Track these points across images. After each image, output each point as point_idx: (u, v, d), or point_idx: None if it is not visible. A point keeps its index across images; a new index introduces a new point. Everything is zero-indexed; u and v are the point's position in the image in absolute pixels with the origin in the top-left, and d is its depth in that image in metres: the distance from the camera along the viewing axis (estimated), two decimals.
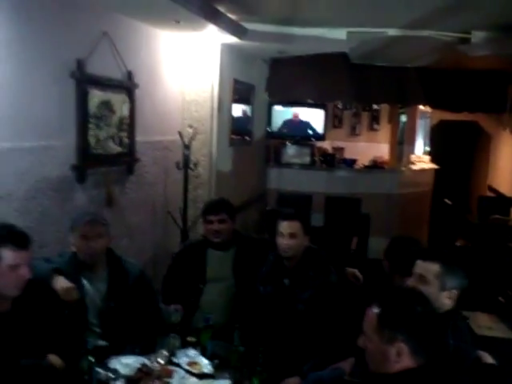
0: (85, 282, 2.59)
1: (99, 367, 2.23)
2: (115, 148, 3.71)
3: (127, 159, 3.93)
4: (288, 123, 7.04)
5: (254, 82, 6.03)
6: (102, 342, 2.50)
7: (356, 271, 2.98)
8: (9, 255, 2.08)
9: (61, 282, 2.38)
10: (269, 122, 6.92)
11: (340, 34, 4.68)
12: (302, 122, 7.09)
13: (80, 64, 3.23)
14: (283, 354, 2.46)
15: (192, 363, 2.36)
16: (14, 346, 2.12)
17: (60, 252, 2.75)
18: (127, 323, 2.55)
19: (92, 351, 2.15)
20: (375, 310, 1.65)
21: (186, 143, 4.48)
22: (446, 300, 2.04)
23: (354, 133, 8.28)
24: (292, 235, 2.76)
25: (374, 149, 7.93)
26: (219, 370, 2.33)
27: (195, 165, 4.61)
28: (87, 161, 3.39)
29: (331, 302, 2.68)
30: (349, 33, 4.67)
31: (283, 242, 2.76)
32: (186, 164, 4.51)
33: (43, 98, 2.99)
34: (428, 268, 2.06)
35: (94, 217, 2.66)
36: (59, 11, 3.07)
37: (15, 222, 2.34)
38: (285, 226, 2.79)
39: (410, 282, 2.11)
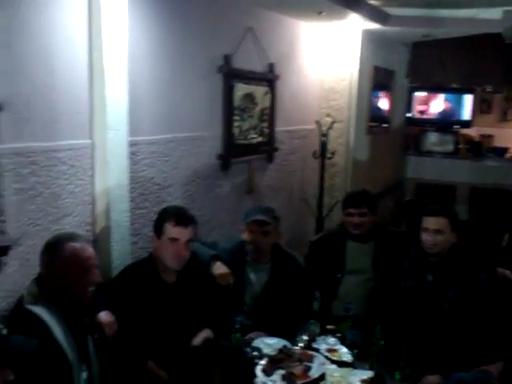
0: (248, 269, 2.81)
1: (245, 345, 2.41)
2: (256, 138, 3.88)
3: (267, 148, 4.09)
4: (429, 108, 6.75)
5: (393, 67, 5.88)
6: (248, 322, 2.68)
7: (508, 272, 2.81)
8: (170, 229, 2.37)
9: (217, 268, 2.60)
10: (408, 108, 6.70)
11: (495, 13, 4.40)
12: (445, 107, 6.77)
13: (227, 59, 3.42)
14: (425, 351, 2.42)
15: (331, 350, 2.44)
16: (177, 316, 2.38)
17: (229, 237, 3.06)
18: (278, 312, 2.70)
19: (239, 329, 2.32)
20: None
21: (324, 132, 4.53)
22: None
23: (504, 118, 7.69)
24: (438, 232, 2.62)
25: None
26: (358, 359, 2.37)
27: (332, 153, 4.64)
28: (231, 150, 3.59)
29: (479, 302, 2.53)
30: (505, 12, 4.36)
31: (428, 238, 2.64)
32: (322, 153, 4.56)
33: (194, 92, 3.22)
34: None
35: (261, 217, 2.77)
36: (208, 9, 3.27)
37: None
38: (430, 222, 2.66)
39: None
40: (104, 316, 2.15)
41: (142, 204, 2.89)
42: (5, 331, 1.41)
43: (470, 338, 2.40)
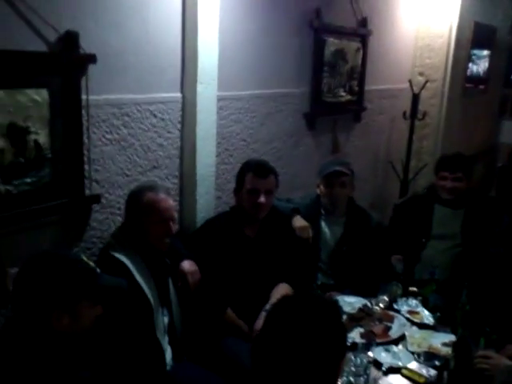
0: (323, 224, 2.81)
1: None
2: (345, 96, 3.79)
3: (355, 107, 3.99)
4: None
5: (496, 23, 5.48)
6: (329, 280, 2.70)
7: None
8: (249, 180, 2.44)
9: (297, 221, 2.63)
10: (509, 68, 6.24)
11: None
12: None
13: (318, 13, 3.33)
14: (509, 322, 2.33)
15: (412, 312, 2.40)
16: (258, 269, 2.44)
17: (303, 195, 3.06)
18: (355, 267, 2.69)
19: (320, 286, 2.34)
20: None
21: (416, 92, 4.34)
22: None
23: None
24: None
25: None
26: (440, 323, 2.33)
27: (423, 115, 4.45)
28: (318, 108, 3.54)
29: None
30: None
31: None
32: (413, 114, 4.39)
33: (284, 47, 3.18)
34: None
35: (339, 168, 2.79)
36: None
37: None
38: None
39: None
40: (187, 265, 2.23)
41: (227, 159, 2.93)
42: (98, 270, 1.51)
43: None
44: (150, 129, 2.47)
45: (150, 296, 2.00)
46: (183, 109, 2.59)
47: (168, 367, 2.10)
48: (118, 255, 1.98)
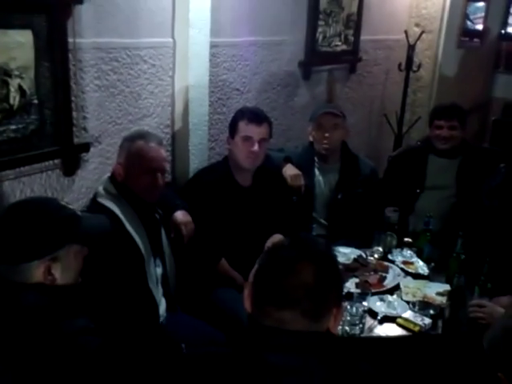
0: (317, 172, 2.78)
1: None
2: (340, 46, 3.70)
3: (350, 58, 3.90)
4: None
5: None
6: (324, 232, 2.68)
7: None
8: (243, 127, 2.37)
9: (289, 169, 2.58)
10: (505, 21, 6.12)
11: None
12: None
13: None
14: (506, 268, 2.34)
15: (407, 263, 2.41)
16: (252, 218, 2.41)
17: (296, 144, 2.97)
18: (350, 216, 2.67)
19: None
20: None
21: (411, 43, 4.23)
22: None
23: None
24: None
25: None
26: (435, 273, 2.34)
27: (418, 67, 4.36)
28: (313, 57, 3.45)
29: None
30: None
31: None
32: (408, 65, 4.29)
33: None
34: None
35: (331, 109, 2.76)
36: None
37: None
38: None
39: None
40: (180, 216, 2.18)
41: (220, 109, 2.86)
42: (79, 213, 1.45)
43: None
44: (141, 75, 2.38)
45: (140, 245, 1.95)
46: (174, 55, 2.50)
47: (162, 318, 2.08)
48: (107, 204, 1.93)
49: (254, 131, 2.36)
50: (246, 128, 2.36)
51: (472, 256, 2.23)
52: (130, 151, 1.99)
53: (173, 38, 2.47)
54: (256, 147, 2.36)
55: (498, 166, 2.69)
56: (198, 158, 2.66)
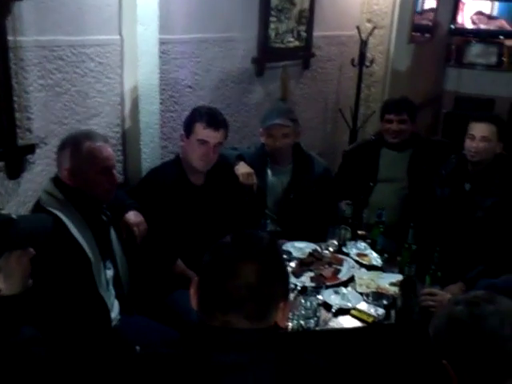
0: (269, 172, 2.78)
1: None
2: (293, 42, 3.71)
3: (304, 54, 3.91)
4: (477, 19, 6.30)
5: None
6: (278, 228, 2.68)
7: None
8: (200, 130, 2.31)
9: (241, 167, 2.57)
10: (454, 16, 6.28)
11: None
12: (492, 16, 6.31)
13: None
14: (456, 257, 2.40)
15: (361, 255, 2.44)
16: (205, 217, 2.38)
17: (251, 142, 2.97)
18: (303, 214, 2.68)
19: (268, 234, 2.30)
20: None
21: (364, 39, 4.28)
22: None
23: None
24: (484, 139, 2.51)
25: None
26: (388, 264, 2.37)
27: (371, 62, 4.42)
28: (266, 54, 3.44)
29: None
30: None
31: (472, 145, 2.54)
32: (361, 61, 4.35)
33: None
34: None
35: (279, 121, 2.69)
36: None
37: None
38: (478, 129, 2.54)
39: None
40: (132, 216, 2.14)
41: (172, 107, 2.82)
42: (14, 216, 1.40)
43: (501, 247, 2.35)
44: (88, 73, 2.32)
45: (87, 249, 1.88)
46: (122, 52, 2.45)
47: (115, 322, 2.03)
48: (51, 209, 1.85)
49: (211, 135, 2.33)
50: (203, 132, 2.32)
51: (423, 246, 2.27)
52: (79, 154, 1.91)
53: (120, 34, 2.43)
54: (211, 152, 2.34)
55: (449, 156, 2.76)
56: (150, 157, 2.62)
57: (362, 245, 2.50)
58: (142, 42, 2.44)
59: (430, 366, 1.17)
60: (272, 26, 3.41)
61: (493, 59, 6.21)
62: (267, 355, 1.06)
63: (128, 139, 2.57)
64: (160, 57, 2.60)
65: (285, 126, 2.70)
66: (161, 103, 2.68)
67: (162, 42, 2.59)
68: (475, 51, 6.28)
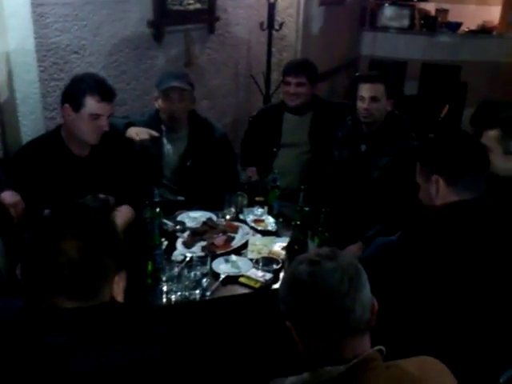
0: (165, 140, 2.65)
1: (168, 219, 2.32)
2: (194, 4, 3.54)
3: (207, 17, 3.75)
4: None
5: None
6: (179, 197, 2.59)
7: None
8: (93, 104, 2.15)
9: (133, 130, 2.44)
10: None
11: None
12: None
13: None
14: (349, 219, 2.40)
15: (258, 221, 2.39)
16: (91, 191, 2.23)
17: (141, 112, 2.82)
18: (200, 182, 2.59)
19: (160, 203, 2.19)
20: None
21: (271, 1, 4.18)
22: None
23: None
24: (374, 99, 2.54)
25: (484, 12, 6.98)
26: (283, 228, 2.34)
27: (280, 25, 4.32)
28: (164, 17, 3.26)
29: (409, 170, 2.50)
30: None
31: (363, 106, 2.56)
32: (270, 24, 4.25)
33: None
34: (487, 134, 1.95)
35: (176, 83, 2.57)
36: None
37: None
38: (366, 89, 2.56)
39: None
40: (8, 196, 1.99)
41: (57, 75, 2.62)
42: None
43: (394, 206, 2.37)
44: None
45: None
46: None
47: None
48: None
49: (105, 109, 2.18)
50: (97, 106, 2.15)
51: (316, 209, 2.24)
52: None
53: None
54: (105, 125, 2.20)
55: (346, 118, 2.74)
56: (31, 129, 2.42)
57: (259, 211, 2.45)
58: (10, 2, 2.22)
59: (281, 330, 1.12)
60: None
61: (405, 22, 6.30)
62: (96, 334, 0.98)
63: (4, 111, 2.36)
64: (36, 20, 2.40)
65: (183, 89, 2.58)
66: (42, 71, 2.48)
67: (36, 4, 2.38)
68: (388, 14, 6.35)
